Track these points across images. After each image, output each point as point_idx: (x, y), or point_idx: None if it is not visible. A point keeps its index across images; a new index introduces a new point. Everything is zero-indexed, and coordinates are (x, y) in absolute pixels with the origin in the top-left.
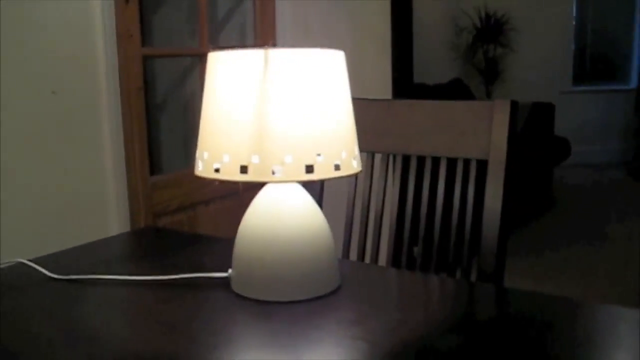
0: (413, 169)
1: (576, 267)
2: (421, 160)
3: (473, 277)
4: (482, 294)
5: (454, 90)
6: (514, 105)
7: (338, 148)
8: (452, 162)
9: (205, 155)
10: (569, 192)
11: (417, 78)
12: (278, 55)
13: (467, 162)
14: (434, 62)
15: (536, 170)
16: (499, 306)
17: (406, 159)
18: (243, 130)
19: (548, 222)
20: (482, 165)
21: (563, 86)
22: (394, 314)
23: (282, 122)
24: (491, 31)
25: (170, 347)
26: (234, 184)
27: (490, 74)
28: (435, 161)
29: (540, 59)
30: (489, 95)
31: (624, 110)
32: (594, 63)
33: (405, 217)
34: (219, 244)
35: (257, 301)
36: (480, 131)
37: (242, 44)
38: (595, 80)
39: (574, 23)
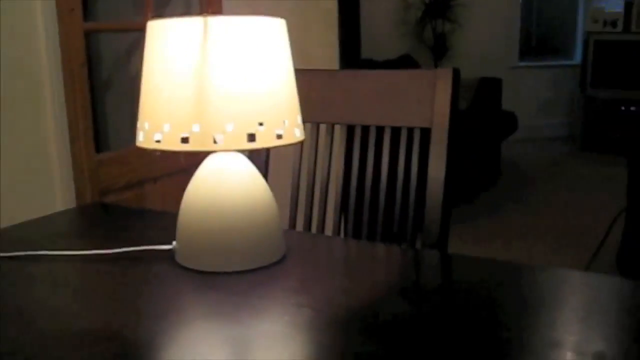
0: (357, 138)
1: (523, 236)
2: (365, 130)
3: (418, 245)
4: (427, 260)
5: (403, 67)
6: (456, 72)
7: (280, 116)
8: (396, 131)
9: (146, 125)
10: (516, 165)
11: (366, 54)
12: (217, 23)
13: (410, 131)
14: (383, 38)
15: (484, 144)
16: (444, 272)
17: (351, 129)
18: (183, 99)
19: (496, 194)
20: (426, 133)
21: (510, 61)
22: (338, 281)
23: (222, 90)
24: (439, 7)
25: (116, 320)
26: (180, 159)
27: (439, 50)
28: (380, 131)
29: (487, 34)
30: None
31: (569, 85)
32: (540, 39)
33: (350, 187)
34: (165, 218)
35: (202, 272)
36: (423, 99)
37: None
38: (541, 56)
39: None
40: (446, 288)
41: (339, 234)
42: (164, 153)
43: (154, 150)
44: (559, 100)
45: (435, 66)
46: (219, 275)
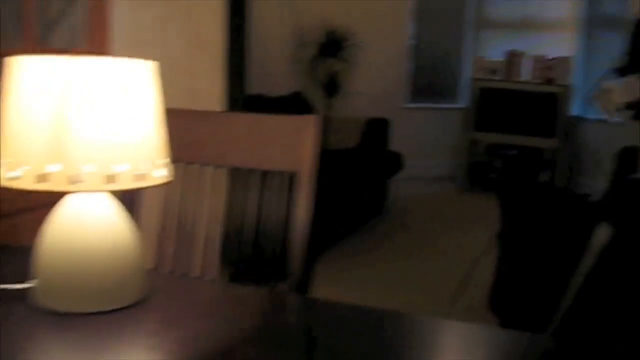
0: (227, 180)
1: (401, 277)
2: (235, 172)
3: (284, 288)
4: (290, 303)
5: (293, 103)
6: (323, 119)
7: (142, 158)
8: (265, 175)
9: (3, 163)
10: (402, 203)
11: (260, 89)
12: (80, 64)
13: (278, 174)
14: (277, 74)
15: (370, 182)
16: (304, 315)
17: (221, 171)
18: (42, 139)
19: (380, 232)
20: (293, 177)
21: (400, 102)
22: (197, 323)
23: (83, 131)
24: (333, 46)
25: None
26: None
27: (331, 88)
28: (250, 173)
29: (379, 75)
30: (329, 109)
31: (455, 127)
32: (429, 82)
33: (218, 229)
34: (21, 255)
35: (58, 313)
36: (289, 144)
37: (72, 48)
38: (429, 98)
39: (411, 42)
40: (303, 332)
41: (206, 275)
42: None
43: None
44: (445, 141)
45: (327, 104)
46: (75, 315)
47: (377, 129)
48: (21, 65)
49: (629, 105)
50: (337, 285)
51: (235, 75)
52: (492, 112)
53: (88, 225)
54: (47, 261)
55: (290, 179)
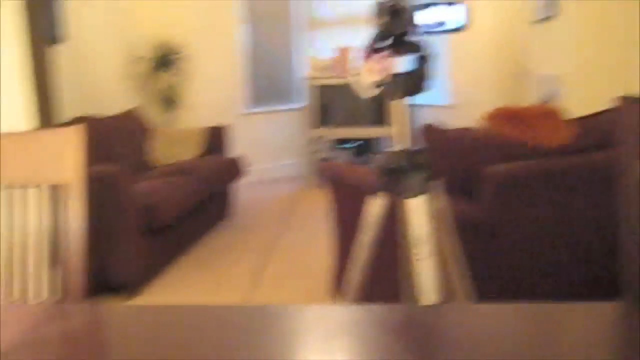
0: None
1: (244, 278)
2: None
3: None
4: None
5: (130, 121)
6: (84, 129)
7: None
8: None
9: None
10: (248, 208)
11: (97, 109)
12: None
13: (50, 188)
14: (112, 92)
15: (213, 189)
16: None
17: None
18: None
19: (222, 238)
20: (63, 190)
21: (239, 109)
22: None
23: None
24: (166, 60)
25: None
26: None
27: (169, 102)
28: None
29: (215, 84)
30: (169, 123)
31: (294, 128)
32: (266, 86)
33: None
34: None
35: None
36: (58, 157)
37: None
38: (269, 101)
39: (244, 47)
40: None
41: None
42: None
43: None
44: (290, 142)
45: (167, 118)
46: None
47: (217, 137)
48: None
49: (378, 84)
50: (189, 288)
51: (43, 98)
52: (331, 108)
53: None
54: None
55: (58, 192)
